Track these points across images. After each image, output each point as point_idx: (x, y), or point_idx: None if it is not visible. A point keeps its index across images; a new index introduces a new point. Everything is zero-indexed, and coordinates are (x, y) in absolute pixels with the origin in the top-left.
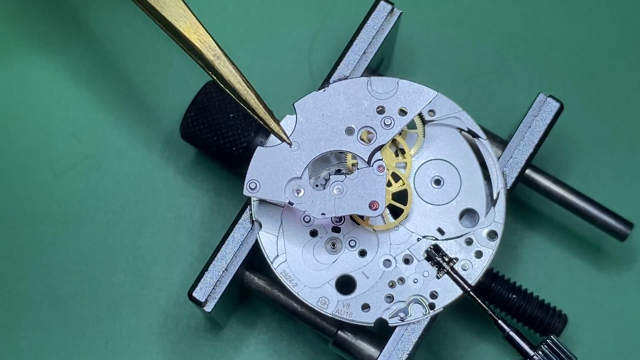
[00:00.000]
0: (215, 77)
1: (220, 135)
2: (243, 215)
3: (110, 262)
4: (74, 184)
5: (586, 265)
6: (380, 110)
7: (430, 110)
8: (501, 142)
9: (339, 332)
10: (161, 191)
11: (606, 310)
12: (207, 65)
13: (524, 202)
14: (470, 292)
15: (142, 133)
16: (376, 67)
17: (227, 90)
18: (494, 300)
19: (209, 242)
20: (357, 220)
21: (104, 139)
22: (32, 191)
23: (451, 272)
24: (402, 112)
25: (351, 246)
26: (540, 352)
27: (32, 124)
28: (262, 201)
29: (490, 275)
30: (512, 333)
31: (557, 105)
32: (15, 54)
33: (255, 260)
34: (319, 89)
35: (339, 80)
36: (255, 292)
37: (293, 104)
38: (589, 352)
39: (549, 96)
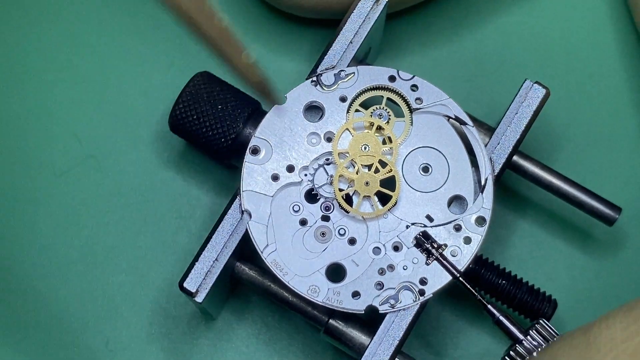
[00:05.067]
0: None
1: (209, 127)
2: (232, 206)
3: (110, 262)
4: (74, 184)
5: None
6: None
7: (417, 98)
8: (489, 129)
9: (330, 320)
10: (161, 191)
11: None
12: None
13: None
14: (460, 278)
15: (142, 133)
16: (363, 57)
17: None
18: (484, 286)
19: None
20: (346, 208)
21: (104, 139)
22: (32, 191)
23: (440, 258)
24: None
25: (341, 234)
26: (530, 337)
27: (32, 124)
28: (251, 191)
29: (480, 261)
30: (501, 317)
31: (544, 91)
32: (15, 54)
33: (246, 250)
34: (307, 79)
35: (326, 70)
36: (246, 282)
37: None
38: None
39: (535, 82)
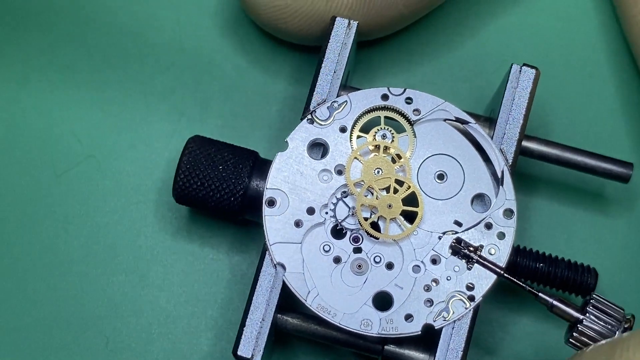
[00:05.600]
0: None
1: (215, 189)
2: (264, 262)
3: (110, 262)
4: (74, 184)
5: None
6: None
7: (415, 110)
8: (486, 120)
9: (386, 347)
10: (161, 191)
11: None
12: None
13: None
14: (505, 274)
15: (142, 133)
16: (345, 82)
17: None
18: (523, 273)
19: (209, 242)
20: (375, 235)
21: (104, 139)
22: (32, 191)
23: (480, 260)
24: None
25: (377, 262)
26: (588, 314)
27: (32, 124)
28: (278, 243)
29: (513, 250)
30: (555, 302)
31: (533, 71)
32: (15, 53)
33: (285, 300)
34: (301, 119)
35: (319, 105)
36: (292, 331)
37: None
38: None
39: (522, 65)
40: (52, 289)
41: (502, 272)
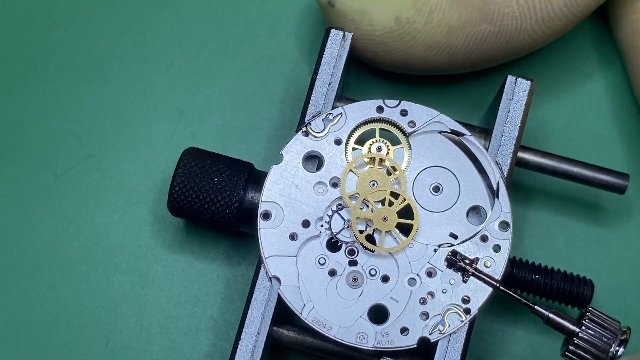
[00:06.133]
0: None
1: (210, 201)
2: (259, 275)
3: (110, 262)
4: (74, 184)
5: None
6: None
7: (410, 122)
8: (481, 131)
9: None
10: (161, 191)
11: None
12: None
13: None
14: (500, 287)
15: (142, 133)
16: (341, 93)
17: None
18: (519, 285)
19: (209, 241)
20: (370, 248)
21: (104, 139)
22: (32, 191)
23: (476, 272)
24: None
25: (372, 275)
26: (584, 327)
27: (32, 124)
28: (273, 256)
29: (509, 262)
30: (551, 315)
31: (529, 83)
32: (14, 53)
33: (281, 313)
34: (297, 131)
35: (313, 117)
36: (287, 344)
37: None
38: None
39: (517, 77)
40: (52, 289)
41: (497, 284)
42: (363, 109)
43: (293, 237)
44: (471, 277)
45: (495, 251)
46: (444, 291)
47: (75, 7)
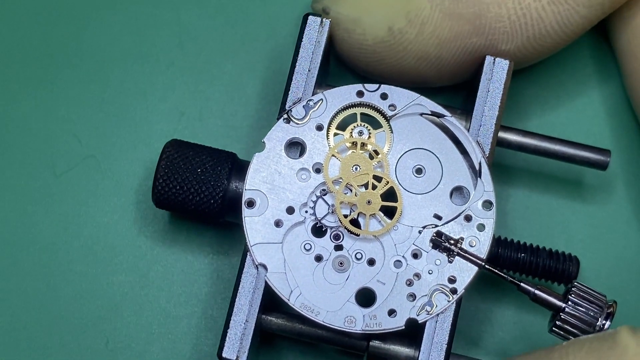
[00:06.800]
0: None
1: (194, 192)
2: (246, 263)
3: (110, 262)
4: (74, 184)
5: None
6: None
7: (390, 105)
8: (462, 112)
9: (370, 343)
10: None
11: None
12: None
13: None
14: (486, 266)
15: (142, 133)
16: (322, 80)
17: None
18: (505, 264)
19: (209, 241)
20: (355, 232)
21: (104, 139)
22: (32, 191)
23: (461, 252)
24: None
25: (358, 259)
26: (570, 302)
27: (32, 124)
28: (259, 243)
29: (494, 241)
30: (537, 292)
31: (507, 62)
32: (14, 53)
33: (269, 301)
34: (278, 118)
35: (294, 104)
36: (277, 331)
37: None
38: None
39: (495, 57)
40: (52, 289)
41: (483, 263)
42: (343, 94)
43: (278, 224)
44: (457, 257)
45: (480, 230)
46: (430, 272)
47: (75, 7)
